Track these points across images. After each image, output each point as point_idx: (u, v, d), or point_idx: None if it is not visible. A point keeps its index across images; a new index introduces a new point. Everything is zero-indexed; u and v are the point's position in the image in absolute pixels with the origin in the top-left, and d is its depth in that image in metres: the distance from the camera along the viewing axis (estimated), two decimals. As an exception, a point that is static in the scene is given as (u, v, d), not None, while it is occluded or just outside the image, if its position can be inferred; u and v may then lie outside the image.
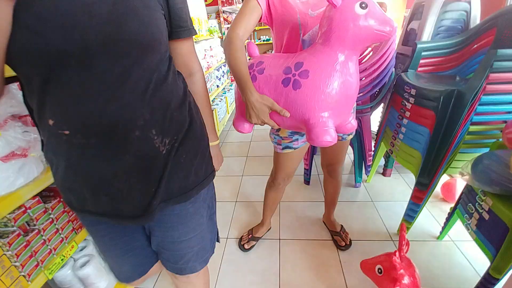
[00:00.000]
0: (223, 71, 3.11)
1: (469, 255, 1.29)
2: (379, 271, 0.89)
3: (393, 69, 1.55)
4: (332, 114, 0.75)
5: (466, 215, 1.13)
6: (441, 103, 1.10)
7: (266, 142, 2.72)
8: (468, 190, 1.13)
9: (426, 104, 1.19)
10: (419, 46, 1.39)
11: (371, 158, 1.75)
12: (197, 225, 0.74)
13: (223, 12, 4.23)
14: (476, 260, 1.26)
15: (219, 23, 3.94)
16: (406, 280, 0.83)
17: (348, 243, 1.39)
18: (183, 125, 0.62)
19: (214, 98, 2.88)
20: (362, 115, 1.61)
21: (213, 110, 2.53)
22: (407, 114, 1.31)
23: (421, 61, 1.45)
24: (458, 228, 1.40)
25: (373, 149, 1.76)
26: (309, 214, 1.67)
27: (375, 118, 1.82)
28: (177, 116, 0.60)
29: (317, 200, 1.78)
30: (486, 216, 1.01)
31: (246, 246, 1.46)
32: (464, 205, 1.15)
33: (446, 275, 1.21)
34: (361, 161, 1.76)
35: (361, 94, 1.55)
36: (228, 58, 0.85)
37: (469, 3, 1.46)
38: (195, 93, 0.73)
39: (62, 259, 0.89)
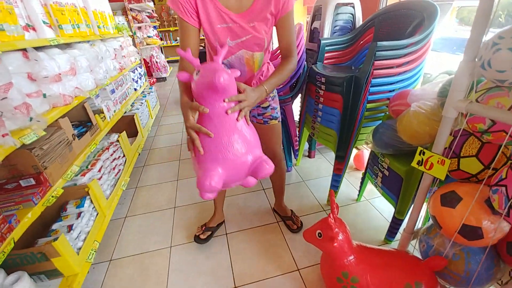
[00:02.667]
0: (139, 73, 2.85)
1: (379, 208, 1.61)
2: (319, 235, 1.01)
3: (305, 62, 1.76)
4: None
5: (373, 175, 1.41)
6: (345, 87, 1.33)
7: (198, 143, 2.65)
8: (373, 156, 1.40)
9: (334, 90, 1.40)
10: (322, 42, 1.63)
11: (297, 143, 1.95)
12: None
13: (131, 10, 3.88)
14: (384, 210, 1.59)
15: (128, 21, 3.59)
16: (340, 236, 0.98)
17: (299, 225, 1.50)
18: None
19: (133, 102, 2.61)
20: (284, 104, 1.77)
21: (134, 115, 2.30)
22: (321, 99, 1.52)
23: (326, 54, 1.70)
24: (369, 189, 1.72)
25: (297, 134, 1.96)
26: (250, 204, 1.72)
27: (296, 107, 2.03)
28: None
29: (256, 189, 1.86)
30: (386, 173, 1.28)
31: (202, 236, 1.42)
32: (371, 168, 1.42)
33: (366, 227, 1.48)
34: (290, 146, 1.94)
35: (281, 85, 1.71)
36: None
37: (353, 7, 1.80)
38: None
39: None
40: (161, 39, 6.53)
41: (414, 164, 0.96)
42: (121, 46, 2.36)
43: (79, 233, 1.28)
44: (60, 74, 1.33)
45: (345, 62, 1.75)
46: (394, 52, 1.23)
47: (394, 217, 1.29)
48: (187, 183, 2.01)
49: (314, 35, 1.90)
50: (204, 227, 1.48)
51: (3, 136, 0.93)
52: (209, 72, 0.72)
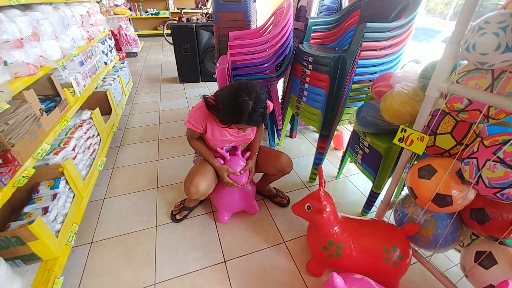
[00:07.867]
0: (109, 45, 2.60)
1: (356, 184, 1.73)
2: (308, 207, 1.07)
3: (292, 42, 1.75)
4: None
5: (354, 153, 1.49)
6: (332, 67, 1.35)
7: (176, 122, 2.55)
8: (354, 135, 1.48)
9: (322, 69, 1.42)
10: (310, 20, 1.62)
11: (281, 122, 1.97)
12: None
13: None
14: (360, 186, 1.71)
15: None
16: (328, 208, 1.04)
17: (288, 199, 1.58)
18: None
19: (105, 78, 2.40)
20: (270, 83, 1.76)
21: (106, 91, 2.13)
22: (307, 79, 1.54)
23: (312, 34, 1.70)
24: (347, 167, 1.83)
25: (281, 114, 1.98)
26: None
27: (280, 87, 2.03)
28: None
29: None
30: (367, 150, 1.37)
31: (177, 217, 1.45)
32: (352, 147, 1.50)
33: (345, 201, 1.59)
34: (273, 126, 1.96)
35: (266, 64, 1.69)
36: (195, 149, 1.36)
37: (339, -13, 1.79)
38: None
39: None
40: (130, 9, 5.96)
41: (395, 141, 1.03)
42: (88, 12, 2.11)
43: (56, 215, 1.20)
44: (22, 39, 1.17)
45: (330, 43, 1.77)
46: (380, 34, 1.27)
47: (371, 191, 1.40)
48: (168, 162, 1.95)
49: (300, 13, 1.88)
50: (181, 205, 1.49)
51: (-39, 107, 0.81)
52: (237, 180, 1.31)
